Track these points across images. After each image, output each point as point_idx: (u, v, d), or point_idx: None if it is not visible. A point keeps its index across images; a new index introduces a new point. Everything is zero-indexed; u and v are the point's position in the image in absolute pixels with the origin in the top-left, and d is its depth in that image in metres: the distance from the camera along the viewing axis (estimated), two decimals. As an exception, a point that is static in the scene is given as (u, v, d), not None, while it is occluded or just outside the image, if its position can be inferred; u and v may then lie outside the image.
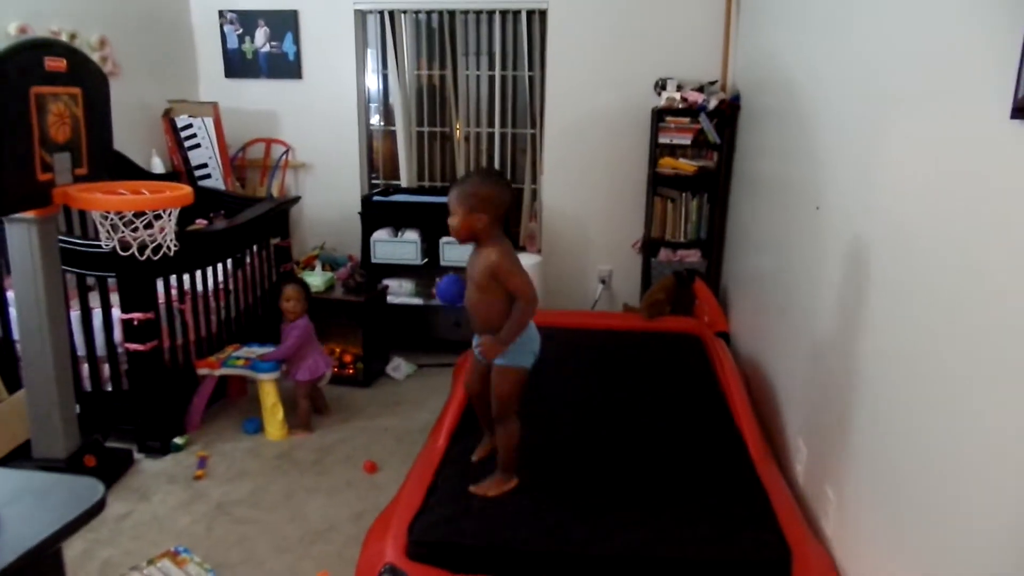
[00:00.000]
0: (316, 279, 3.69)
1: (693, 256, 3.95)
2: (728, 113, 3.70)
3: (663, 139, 3.79)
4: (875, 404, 1.74)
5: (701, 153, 3.85)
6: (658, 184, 3.90)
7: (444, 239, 3.93)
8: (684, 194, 3.88)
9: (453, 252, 3.89)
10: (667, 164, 3.83)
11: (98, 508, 1.05)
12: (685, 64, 3.92)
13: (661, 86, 3.87)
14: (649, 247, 3.98)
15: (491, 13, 4.15)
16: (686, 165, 3.80)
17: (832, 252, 2.13)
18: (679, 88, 3.82)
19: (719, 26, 3.88)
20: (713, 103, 3.70)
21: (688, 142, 3.78)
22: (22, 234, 2.36)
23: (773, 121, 3.04)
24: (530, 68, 4.20)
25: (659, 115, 3.78)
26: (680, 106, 3.75)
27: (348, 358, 3.63)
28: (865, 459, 1.78)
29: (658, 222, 3.94)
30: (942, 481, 1.40)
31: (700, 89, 3.81)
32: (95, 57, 3.39)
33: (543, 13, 4.07)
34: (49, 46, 2.31)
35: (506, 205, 1.98)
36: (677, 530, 1.86)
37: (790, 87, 2.76)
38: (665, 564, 1.77)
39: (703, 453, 2.29)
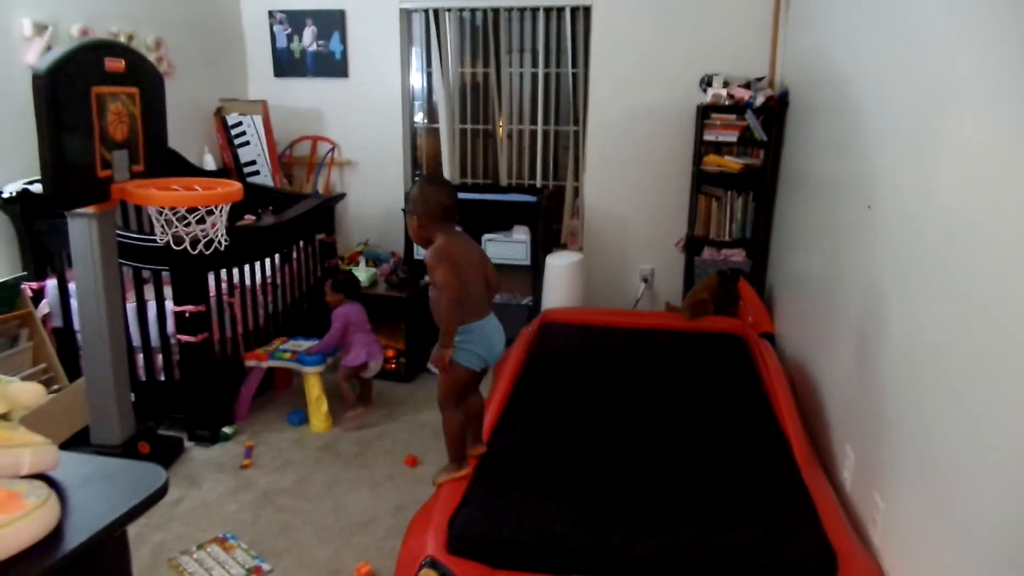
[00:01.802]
0: (360, 275, 3.75)
1: (738, 255, 3.89)
2: (776, 110, 3.62)
3: (708, 136, 3.74)
4: (927, 410, 1.69)
5: (747, 150, 3.78)
6: (702, 182, 3.85)
7: (486, 235, 3.95)
8: (729, 192, 3.82)
9: (495, 248, 3.90)
10: (712, 161, 3.77)
11: (160, 493, 1.09)
12: (731, 60, 3.86)
13: (707, 82, 3.81)
14: (693, 246, 3.93)
15: (535, 10, 4.15)
16: (732, 163, 3.74)
17: (884, 252, 2.07)
18: (725, 84, 3.76)
19: (767, 21, 3.81)
20: (760, 99, 3.63)
21: (734, 139, 3.72)
22: (83, 228, 2.46)
23: (823, 118, 2.97)
24: (574, 65, 4.18)
25: (704, 112, 3.73)
26: (726, 103, 3.69)
27: (391, 353, 3.67)
28: (915, 466, 1.73)
29: (702, 220, 3.89)
30: (996, 492, 1.35)
31: (747, 85, 3.75)
32: (151, 57, 3.49)
33: (587, 10, 4.04)
34: (109, 47, 2.40)
35: (439, 204, 2.03)
36: (719, 533, 1.83)
37: (841, 83, 2.69)
38: (706, 567, 1.75)
39: (746, 456, 2.26)
